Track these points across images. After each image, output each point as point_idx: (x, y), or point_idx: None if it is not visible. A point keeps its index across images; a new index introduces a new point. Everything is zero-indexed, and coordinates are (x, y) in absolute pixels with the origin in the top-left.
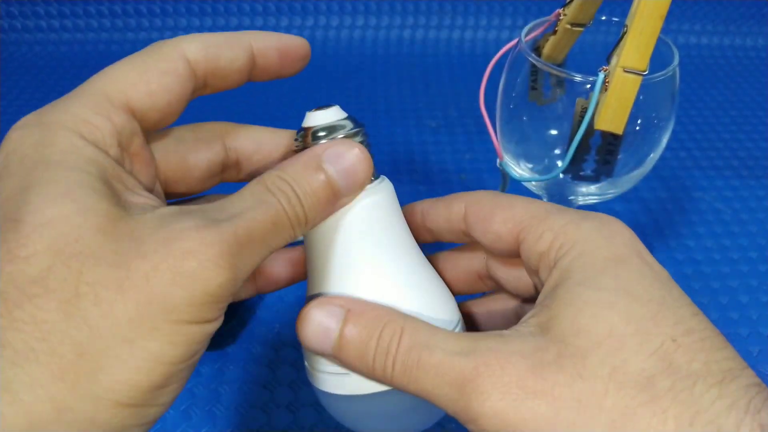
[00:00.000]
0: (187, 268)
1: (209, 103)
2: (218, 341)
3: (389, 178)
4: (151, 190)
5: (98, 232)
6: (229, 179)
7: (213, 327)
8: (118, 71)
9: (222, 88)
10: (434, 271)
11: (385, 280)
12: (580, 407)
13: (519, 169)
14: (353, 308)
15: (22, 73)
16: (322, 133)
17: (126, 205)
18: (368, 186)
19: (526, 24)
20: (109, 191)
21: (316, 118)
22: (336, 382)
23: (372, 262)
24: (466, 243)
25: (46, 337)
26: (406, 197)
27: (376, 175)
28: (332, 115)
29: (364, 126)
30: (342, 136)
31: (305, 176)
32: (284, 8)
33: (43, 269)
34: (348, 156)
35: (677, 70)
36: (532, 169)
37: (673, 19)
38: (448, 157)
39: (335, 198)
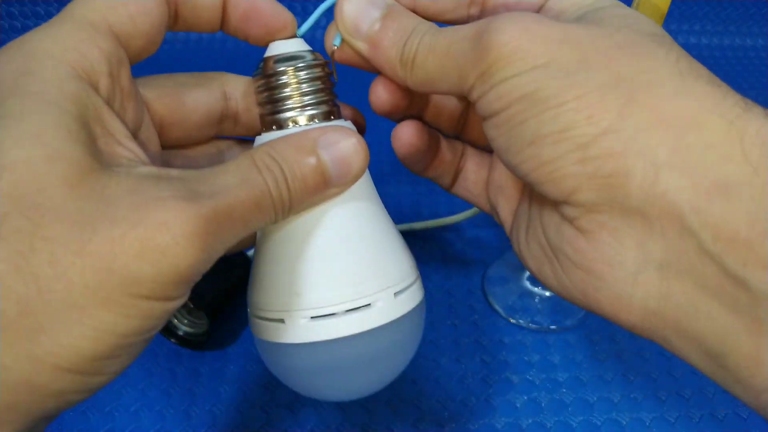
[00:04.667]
0: (158, 242)
1: None
2: (218, 341)
3: (389, 178)
4: (136, 133)
5: (64, 184)
6: (226, 131)
7: (175, 305)
8: None
9: (194, 25)
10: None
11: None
12: (591, 35)
13: None
14: (393, 7)
15: None
16: (282, 66)
17: (103, 154)
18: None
19: None
20: (86, 135)
21: (277, 48)
22: (300, 328)
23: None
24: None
25: None
26: (406, 197)
27: None
28: (294, 45)
29: (328, 62)
30: (303, 65)
31: (296, 158)
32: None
33: None
34: (344, 144)
35: None
36: None
37: (672, 19)
38: None
39: (324, 186)
